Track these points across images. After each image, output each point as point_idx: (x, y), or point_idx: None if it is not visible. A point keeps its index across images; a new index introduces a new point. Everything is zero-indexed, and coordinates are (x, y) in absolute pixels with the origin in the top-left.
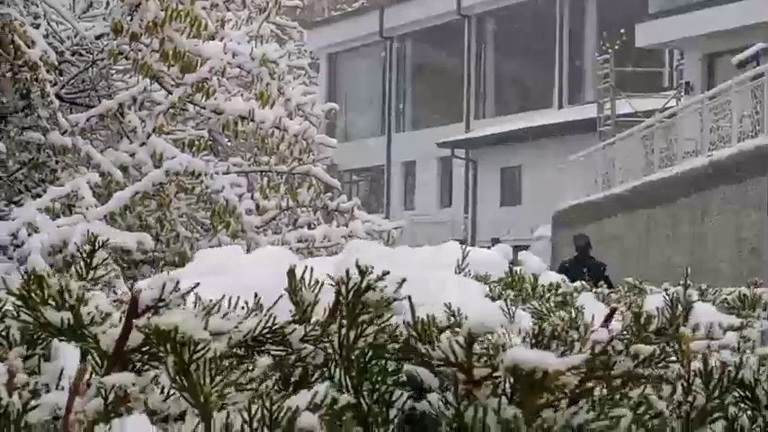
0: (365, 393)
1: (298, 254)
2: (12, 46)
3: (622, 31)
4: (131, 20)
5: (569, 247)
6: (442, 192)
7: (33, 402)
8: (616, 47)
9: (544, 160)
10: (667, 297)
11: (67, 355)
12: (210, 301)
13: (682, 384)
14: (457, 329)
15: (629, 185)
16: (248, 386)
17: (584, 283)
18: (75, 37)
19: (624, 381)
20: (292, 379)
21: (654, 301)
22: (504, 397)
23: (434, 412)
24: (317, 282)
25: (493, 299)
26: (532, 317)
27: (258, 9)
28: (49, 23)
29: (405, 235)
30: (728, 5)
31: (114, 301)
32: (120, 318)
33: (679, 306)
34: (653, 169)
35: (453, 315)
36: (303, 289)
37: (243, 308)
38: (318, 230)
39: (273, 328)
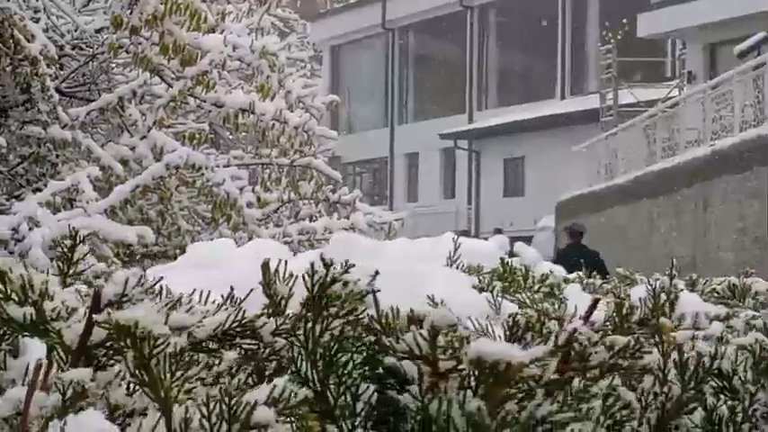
0: (332, 386)
1: (299, 246)
2: (12, 40)
3: (624, 21)
4: (131, 13)
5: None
6: (445, 183)
7: None
8: (618, 37)
9: (547, 151)
10: (650, 287)
11: (35, 350)
12: (182, 294)
13: (657, 375)
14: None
15: (631, 176)
16: (218, 380)
17: (580, 273)
18: (75, 31)
19: (602, 372)
20: (267, 372)
21: (640, 292)
22: (469, 390)
23: (405, 405)
24: (290, 275)
25: (482, 290)
26: (519, 308)
27: (259, 1)
28: (48, 17)
29: (407, 226)
30: None
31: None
32: (85, 313)
33: (662, 296)
34: (655, 159)
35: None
36: (277, 282)
37: (213, 302)
38: (320, 223)
39: (243, 321)
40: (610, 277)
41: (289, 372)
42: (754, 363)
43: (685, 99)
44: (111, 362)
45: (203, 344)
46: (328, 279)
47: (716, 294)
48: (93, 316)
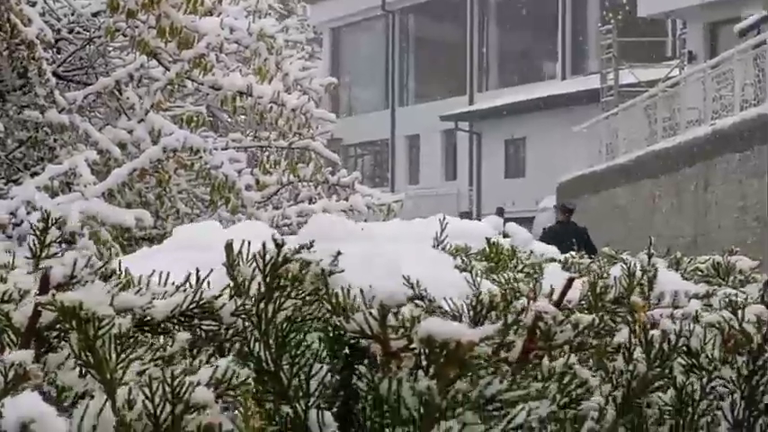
0: (285, 367)
1: (298, 228)
2: (8, 24)
3: (625, 0)
4: None
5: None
6: (446, 165)
7: None
8: (619, 17)
9: (548, 132)
10: (624, 266)
11: None
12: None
13: (623, 353)
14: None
15: (632, 156)
16: (171, 362)
17: (572, 253)
18: (71, 15)
19: (572, 350)
20: (232, 354)
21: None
22: (421, 369)
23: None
24: (254, 256)
25: (465, 270)
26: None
27: None
28: (45, 1)
29: (409, 208)
30: None
31: None
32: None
33: (638, 275)
34: (656, 139)
35: (413, 287)
36: (240, 263)
37: (173, 283)
38: (318, 205)
39: (201, 302)
40: (597, 255)
41: (234, 353)
42: (724, 340)
43: (686, 78)
44: (63, 344)
45: (160, 325)
46: (279, 259)
47: (700, 273)
48: (38, 298)
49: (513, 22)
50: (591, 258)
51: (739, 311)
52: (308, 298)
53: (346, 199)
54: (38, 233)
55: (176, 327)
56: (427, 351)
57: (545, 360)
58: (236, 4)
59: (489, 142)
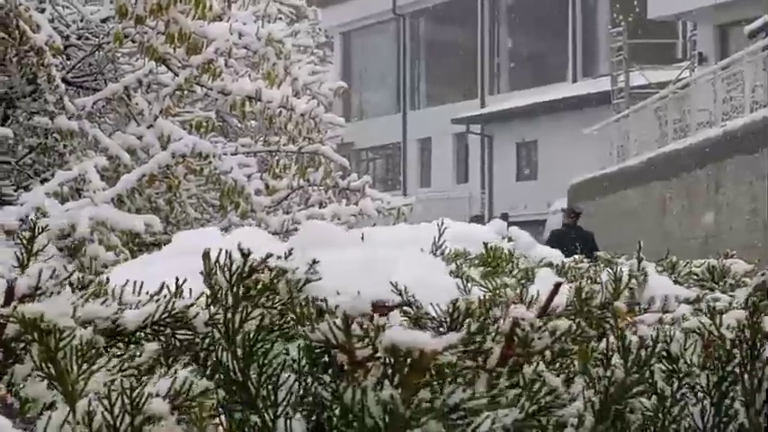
0: (253, 376)
1: None
2: (17, 31)
3: (635, 2)
4: (136, 3)
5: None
6: (458, 168)
7: None
8: (629, 19)
9: (559, 134)
10: (611, 271)
11: None
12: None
13: (601, 359)
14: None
15: (643, 158)
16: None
17: (577, 257)
18: (80, 21)
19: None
20: (209, 362)
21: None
22: (387, 379)
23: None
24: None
25: (458, 276)
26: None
27: None
28: (54, 7)
29: (421, 212)
30: None
31: None
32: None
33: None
34: (667, 141)
35: (401, 294)
36: (218, 272)
37: (147, 292)
38: (328, 209)
39: (173, 312)
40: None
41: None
42: (704, 346)
43: (696, 80)
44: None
45: (133, 335)
46: (246, 269)
47: (695, 276)
48: (1, 310)
49: (523, 25)
50: (591, 262)
51: (717, 317)
52: (281, 307)
53: (356, 203)
54: (24, 242)
55: (149, 336)
56: (392, 360)
57: (525, 367)
58: (245, 9)
59: (501, 145)
